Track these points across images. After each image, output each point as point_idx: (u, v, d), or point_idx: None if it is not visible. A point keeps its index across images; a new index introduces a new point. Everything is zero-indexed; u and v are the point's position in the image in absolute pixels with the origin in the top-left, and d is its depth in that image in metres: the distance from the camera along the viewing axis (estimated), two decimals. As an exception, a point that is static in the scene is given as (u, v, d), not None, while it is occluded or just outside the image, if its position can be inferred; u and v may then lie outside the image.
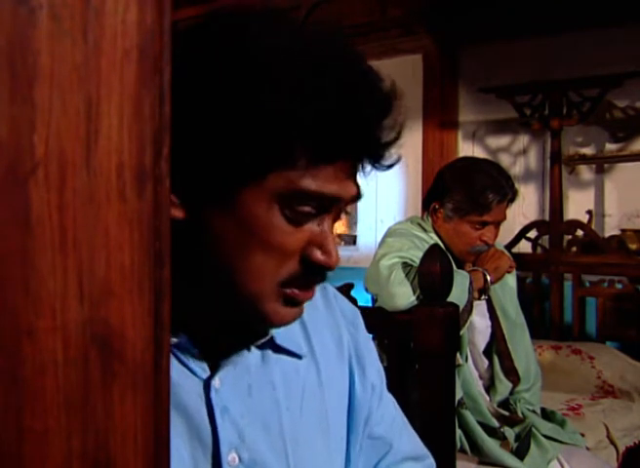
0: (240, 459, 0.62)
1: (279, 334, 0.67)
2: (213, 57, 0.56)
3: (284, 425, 0.66)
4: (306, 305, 0.72)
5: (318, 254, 0.59)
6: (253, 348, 0.66)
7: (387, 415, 0.80)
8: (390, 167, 0.62)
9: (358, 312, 0.81)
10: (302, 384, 0.69)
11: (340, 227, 4.09)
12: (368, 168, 0.61)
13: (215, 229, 0.57)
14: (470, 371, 1.81)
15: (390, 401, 0.82)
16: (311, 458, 0.68)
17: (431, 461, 0.85)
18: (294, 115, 0.54)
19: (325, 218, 0.60)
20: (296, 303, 0.61)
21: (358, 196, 0.62)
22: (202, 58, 0.56)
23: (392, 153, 0.61)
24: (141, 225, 0.27)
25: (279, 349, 0.68)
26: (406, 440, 0.82)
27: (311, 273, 0.60)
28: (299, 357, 0.69)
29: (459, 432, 1.69)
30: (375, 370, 0.79)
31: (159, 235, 0.28)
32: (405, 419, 0.85)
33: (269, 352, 0.67)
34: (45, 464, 0.25)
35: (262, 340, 0.66)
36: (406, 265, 1.68)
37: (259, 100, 0.54)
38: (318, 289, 0.76)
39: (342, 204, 0.61)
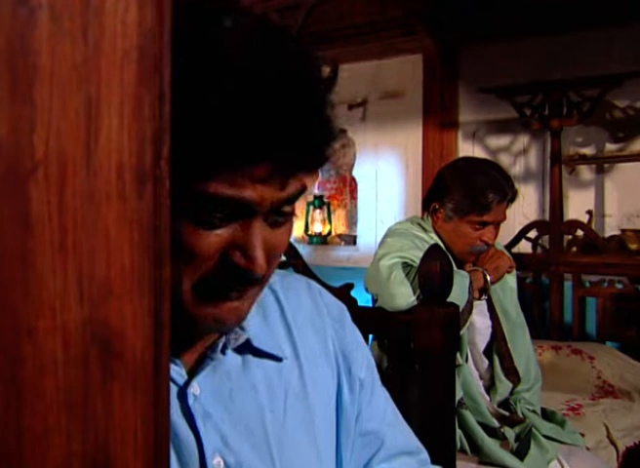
0: (226, 463, 0.62)
1: (256, 337, 0.67)
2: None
3: (268, 428, 0.66)
4: (292, 305, 0.73)
5: (237, 257, 0.56)
6: (232, 353, 0.66)
7: (378, 410, 0.80)
8: (314, 169, 0.58)
9: (344, 308, 0.81)
10: (285, 386, 0.69)
11: (339, 227, 4.09)
12: (295, 168, 0.57)
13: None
14: (470, 372, 1.81)
15: (382, 395, 0.82)
16: (298, 459, 0.68)
17: (425, 456, 0.85)
18: (198, 122, 0.50)
19: (252, 223, 0.56)
20: (221, 299, 0.58)
21: (290, 197, 0.58)
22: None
23: (319, 155, 0.58)
24: (141, 225, 0.27)
25: (259, 352, 0.67)
26: (399, 434, 0.82)
27: (230, 276, 0.57)
28: (279, 359, 0.69)
29: (459, 432, 1.69)
30: (363, 366, 0.78)
31: (159, 235, 0.28)
32: (398, 413, 0.84)
33: (249, 356, 0.67)
34: (45, 464, 0.25)
35: (237, 343, 0.65)
36: (406, 265, 1.68)
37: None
38: (304, 286, 0.77)
39: (265, 207, 0.56)
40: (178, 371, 0.62)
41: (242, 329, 0.66)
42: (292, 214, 0.61)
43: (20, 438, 0.24)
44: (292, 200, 0.59)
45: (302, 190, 0.59)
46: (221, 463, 0.61)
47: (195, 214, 0.54)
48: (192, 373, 0.63)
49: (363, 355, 0.79)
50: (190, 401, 0.61)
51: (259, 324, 0.69)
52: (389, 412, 0.82)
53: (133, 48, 0.26)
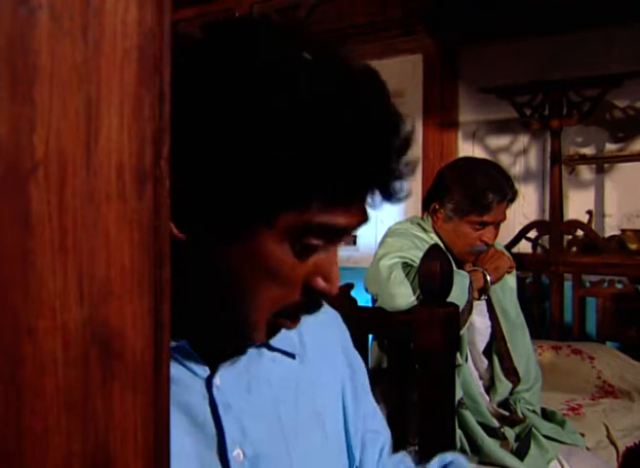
0: (244, 455, 0.63)
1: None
2: (229, 81, 0.53)
3: (282, 419, 0.67)
4: None
5: (320, 283, 0.59)
6: (249, 349, 0.67)
7: (372, 407, 0.84)
8: (402, 200, 0.61)
9: (337, 314, 0.83)
10: (295, 383, 0.71)
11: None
12: (377, 199, 0.60)
13: (221, 257, 0.56)
14: (470, 372, 1.81)
15: (369, 391, 0.86)
16: (311, 449, 0.70)
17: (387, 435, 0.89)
18: (312, 160, 0.52)
19: (334, 250, 0.60)
20: (278, 330, 0.62)
21: (365, 221, 0.61)
22: (216, 81, 0.53)
23: (405, 187, 0.61)
24: (141, 225, 0.27)
25: (274, 348, 0.69)
26: (385, 426, 0.86)
27: (309, 301, 0.60)
28: (292, 356, 0.71)
29: (459, 432, 1.69)
30: (360, 368, 0.82)
31: (159, 235, 0.28)
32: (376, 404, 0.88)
33: (264, 350, 0.69)
34: (45, 464, 0.25)
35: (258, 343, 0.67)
36: (406, 265, 1.68)
37: (276, 144, 0.52)
38: None
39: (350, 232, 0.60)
40: (200, 367, 0.63)
41: None
42: None
43: (19, 438, 0.24)
44: (367, 221, 0.63)
45: None
46: (241, 455, 0.62)
47: (299, 245, 0.56)
48: (214, 367, 0.64)
49: (359, 360, 0.83)
50: (214, 391, 0.62)
51: None
52: (379, 413, 0.86)
53: (133, 48, 0.26)
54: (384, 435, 0.84)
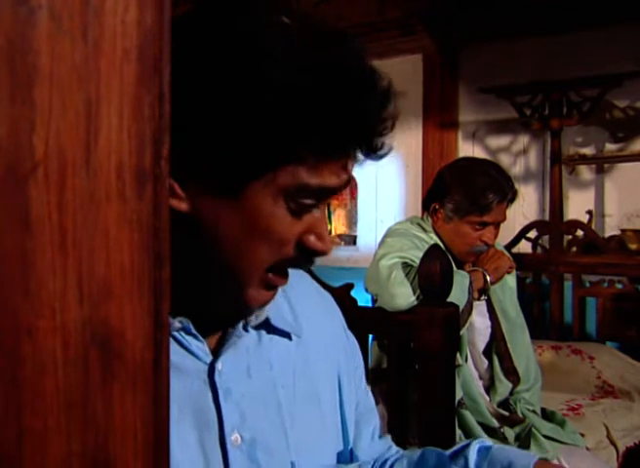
0: (242, 439, 0.64)
1: (273, 316, 0.70)
2: (218, 48, 0.56)
3: (281, 402, 0.69)
4: (294, 291, 0.76)
5: (313, 240, 0.61)
6: (250, 329, 0.68)
7: (365, 387, 0.86)
8: (382, 157, 0.63)
9: (328, 294, 0.85)
10: (293, 365, 0.72)
11: (339, 227, 4.09)
12: (361, 157, 0.62)
13: (216, 219, 0.58)
14: (470, 372, 1.81)
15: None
16: (307, 434, 0.71)
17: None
18: (303, 114, 0.55)
19: (322, 209, 0.62)
20: (272, 287, 0.64)
21: (349, 180, 0.63)
22: (206, 48, 0.57)
23: (387, 143, 0.62)
24: (141, 225, 0.27)
25: (273, 330, 0.70)
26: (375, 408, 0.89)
27: (302, 258, 0.62)
28: (288, 337, 0.72)
29: (458, 432, 1.69)
30: (356, 352, 0.84)
31: (159, 235, 0.28)
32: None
33: (263, 333, 0.70)
34: (45, 464, 0.25)
35: (258, 322, 0.68)
36: (406, 265, 1.68)
37: (267, 101, 0.55)
38: (298, 275, 0.79)
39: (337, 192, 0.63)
40: (203, 350, 0.64)
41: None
42: None
43: (19, 438, 0.24)
44: (350, 182, 0.64)
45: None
46: (239, 439, 0.64)
47: (294, 203, 0.59)
48: (215, 351, 0.65)
49: (352, 337, 0.85)
50: (216, 376, 0.64)
51: (272, 304, 0.71)
52: (369, 392, 0.88)
53: (133, 48, 0.26)
54: (376, 416, 0.86)
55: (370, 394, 0.87)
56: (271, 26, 0.58)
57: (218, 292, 0.64)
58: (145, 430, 0.27)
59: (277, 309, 0.71)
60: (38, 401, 0.25)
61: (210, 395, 0.63)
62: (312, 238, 0.61)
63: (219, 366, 0.64)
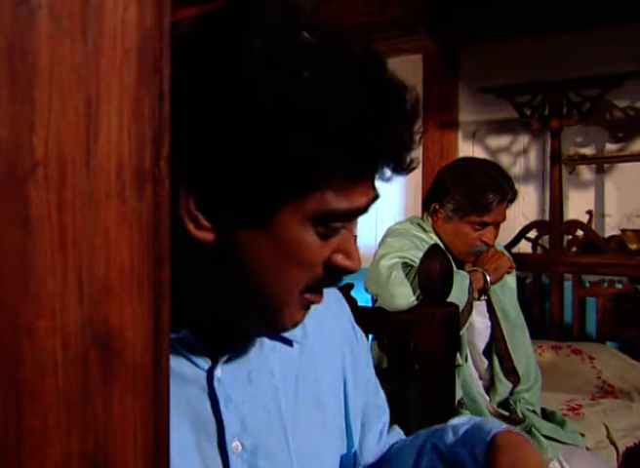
0: (243, 447, 0.63)
1: None
2: (241, 71, 0.53)
3: (282, 409, 0.68)
4: None
5: (342, 260, 0.61)
6: (251, 336, 0.68)
7: (375, 381, 0.86)
8: (411, 171, 0.62)
9: (342, 296, 0.85)
10: (296, 370, 0.72)
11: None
12: (388, 173, 0.61)
13: (244, 247, 0.57)
14: (470, 372, 1.81)
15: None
16: (309, 441, 0.70)
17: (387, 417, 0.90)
18: (332, 138, 0.53)
19: (351, 228, 0.62)
20: (308, 307, 0.63)
21: (377, 197, 0.62)
22: (228, 72, 0.54)
23: (414, 158, 0.62)
24: (141, 225, 0.27)
25: (275, 337, 0.69)
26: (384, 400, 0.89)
27: (332, 277, 0.62)
28: (290, 344, 0.71)
29: (459, 432, 1.69)
30: (365, 350, 0.84)
31: (159, 235, 0.28)
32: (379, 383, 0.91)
33: (265, 340, 0.69)
34: (45, 464, 0.25)
35: None
36: (406, 265, 1.68)
37: (295, 127, 0.53)
38: None
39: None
40: (202, 357, 0.63)
41: None
42: None
43: (19, 438, 0.24)
44: (378, 197, 0.64)
45: None
46: (239, 447, 0.63)
47: (323, 228, 0.58)
48: (215, 357, 0.64)
49: (362, 335, 0.84)
50: (215, 384, 0.63)
51: None
52: (380, 386, 0.88)
53: (132, 48, 0.26)
54: (385, 412, 0.86)
55: (380, 390, 0.87)
56: (295, 45, 0.55)
57: (242, 314, 0.63)
58: (145, 430, 0.27)
59: None
60: (38, 401, 0.25)
61: (208, 403, 0.62)
62: (340, 257, 0.61)
63: (218, 373, 0.63)
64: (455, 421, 0.79)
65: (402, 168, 0.60)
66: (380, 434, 0.84)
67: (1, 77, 0.23)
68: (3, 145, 0.23)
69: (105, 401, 0.26)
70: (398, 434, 0.89)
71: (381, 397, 0.86)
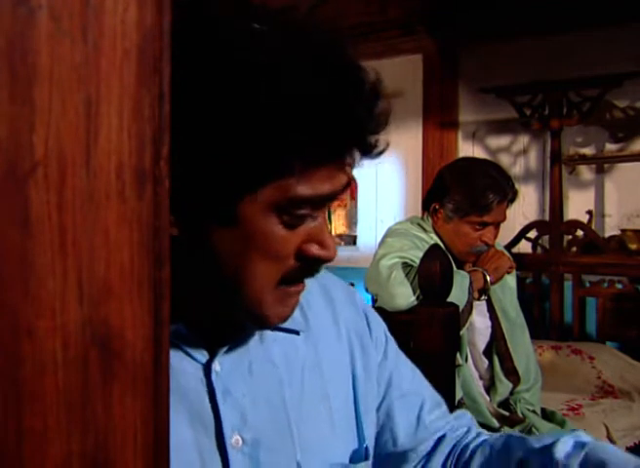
0: (243, 441, 0.62)
1: None
2: (196, 64, 0.53)
3: (287, 401, 0.67)
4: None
5: (315, 249, 0.59)
6: (250, 327, 0.67)
7: (407, 374, 0.84)
8: (380, 154, 0.61)
9: (351, 288, 0.83)
10: (302, 361, 0.70)
11: (339, 227, 4.09)
12: (358, 157, 0.60)
13: (213, 242, 0.57)
14: (470, 372, 1.81)
15: (407, 360, 0.87)
16: (315, 434, 0.69)
17: (446, 407, 0.88)
18: (283, 126, 0.52)
19: (321, 215, 0.60)
20: (294, 298, 0.62)
21: (349, 183, 0.60)
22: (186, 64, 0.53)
23: (381, 141, 0.60)
24: (141, 225, 0.27)
25: (275, 327, 0.68)
26: (431, 390, 0.87)
27: (307, 268, 0.60)
28: (296, 333, 0.70)
29: (459, 432, 1.69)
30: (378, 340, 0.81)
31: (159, 235, 0.28)
32: (421, 374, 0.89)
33: (266, 331, 0.68)
34: (45, 464, 0.25)
35: None
36: (406, 265, 1.68)
37: (247, 116, 0.52)
38: None
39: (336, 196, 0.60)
40: (199, 350, 0.63)
41: None
42: None
43: (19, 438, 0.24)
44: (346, 190, 0.61)
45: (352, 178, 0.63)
46: (240, 441, 0.62)
47: (288, 216, 0.57)
48: (213, 350, 0.63)
49: (378, 329, 0.83)
50: (213, 377, 0.62)
51: None
52: (418, 374, 0.87)
53: (132, 47, 0.26)
54: (422, 394, 0.83)
55: (415, 374, 0.85)
56: (248, 36, 0.55)
57: (229, 308, 0.62)
58: (145, 430, 0.27)
59: None
60: (38, 401, 0.25)
61: (207, 396, 0.62)
62: (314, 247, 0.59)
63: (216, 366, 0.62)
64: (558, 443, 0.71)
65: (366, 150, 0.59)
66: (417, 418, 0.81)
67: (1, 77, 0.23)
68: (3, 145, 0.23)
69: (105, 401, 0.26)
70: (447, 418, 0.85)
71: (417, 381, 0.84)
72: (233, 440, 0.62)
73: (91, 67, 0.25)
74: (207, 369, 0.62)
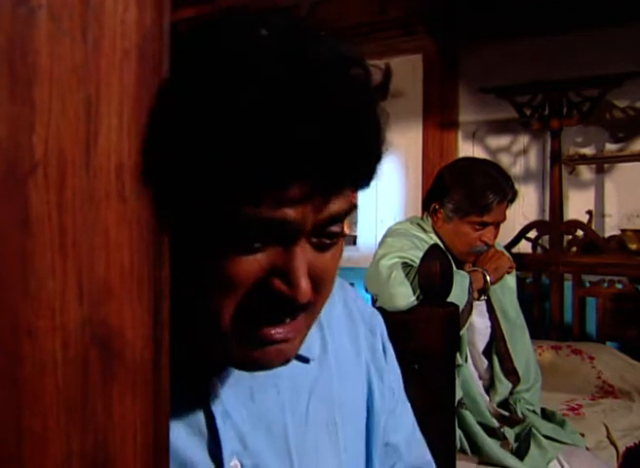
0: (242, 466, 0.60)
1: None
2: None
3: (289, 430, 0.63)
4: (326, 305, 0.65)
5: (278, 283, 0.51)
6: None
7: (405, 424, 0.79)
8: (360, 185, 0.55)
9: (376, 313, 0.79)
10: (310, 387, 0.67)
11: (340, 227, 4.08)
12: (336, 185, 0.52)
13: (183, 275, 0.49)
14: (470, 372, 1.81)
15: (409, 409, 0.81)
16: (319, 460, 0.66)
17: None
18: (228, 149, 0.46)
19: (294, 248, 0.52)
20: (266, 343, 0.53)
21: (335, 216, 0.53)
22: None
23: (363, 170, 0.54)
24: (141, 225, 0.27)
25: None
26: (415, 450, 0.81)
27: (273, 306, 0.52)
28: (306, 361, 0.66)
29: (459, 432, 1.69)
30: (395, 376, 0.78)
31: (159, 235, 0.28)
32: (416, 424, 0.83)
33: None
34: (44, 464, 0.25)
35: None
36: (406, 265, 1.68)
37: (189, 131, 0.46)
38: (337, 287, 0.68)
39: (307, 229, 0.52)
40: (199, 374, 0.59)
41: None
42: (340, 234, 0.56)
43: (19, 438, 0.24)
44: (338, 219, 0.54)
45: (350, 209, 0.55)
46: (238, 466, 0.59)
47: (233, 239, 0.49)
48: (212, 373, 0.60)
49: (394, 365, 0.79)
50: (212, 399, 0.59)
51: None
52: (414, 427, 0.81)
53: (132, 48, 0.26)
54: (405, 457, 0.78)
55: (402, 429, 0.78)
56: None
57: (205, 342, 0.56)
58: (145, 430, 0.27)
59: None
60: (38, 401, 0.25)
61: (203, 417, 0.59)
62: (277, 281, 0.51)
63: (215, 389, 0.59)
64: None
65: (333, 181, 0.51)
66: None
67: (1, 77, 0.23)
68: (3, 145, 0.23)
69: (105, 400, 0.26)
70: None
71: (399, 437, 0.77)
72: (232, 464, 0.59)
73: (91, 67, 0.25)
74: (207, 390, 0.59)
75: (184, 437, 0.58)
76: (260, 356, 0.54)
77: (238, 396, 0.61)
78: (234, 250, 0.50)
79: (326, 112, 0.48)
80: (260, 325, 0.52)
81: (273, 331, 0.53)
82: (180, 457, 0.57)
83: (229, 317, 0.51)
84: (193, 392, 0.59)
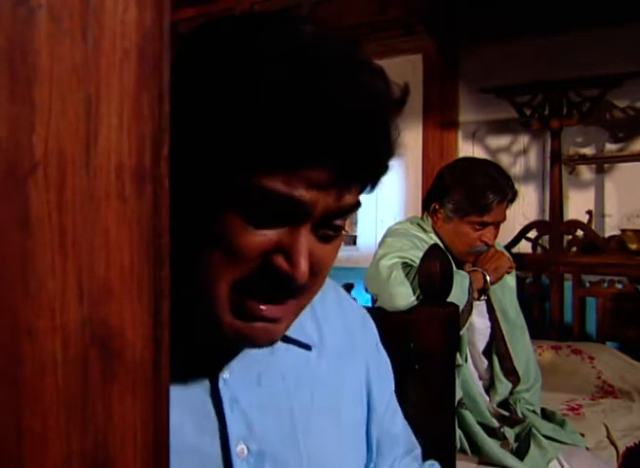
0: (249, 450, 0.61)
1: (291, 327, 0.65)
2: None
3: (295, 415, 0.65)
4: (320, 299, 0.68)
5: (280, 260, 0.54)
6: None
7: (399, 413, 0.83)
8: (373, 181, 0.58)
9: (368, 315, 0.82)
10: (313, 375, 0.69)
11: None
12: (353, 178, 0.56)
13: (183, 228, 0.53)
14: (470, 372, 1.81)
15: (395, 398, 0.84)
16: (323, 448, 0.68)
17: (419, 451, 0.87)
18: (258, 116, 0.51)
19: (300, 230, 0.55)
20: (254, 317, 0.56)
21: (343, 209, 0.56)
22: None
23: (380, 166, 0.57)
24: (141, 225, 0.27)
25: (287, 339, 0.66)
26: (409, 435, 0.85)
27: (272, 281, 0.54)
28: (308, 348, 0.68)
29: (459, 432, 1.69)
30: (388, 369, 0.81)
31: (159, 235, 0.28)
32: (399, 409, 0.86)
33: (278, 342, 0.64)
34: (44, 464, 0.25)
35: None
36: (406, 265, 1.68)
37: (227, 105, 0.52)
38: (331, 289, 0.76)
39: (317, 214, 0.55)
40: (209, 359, 0.61)
41: None
42: (342, 228, 0.59)
43: (19, 438, 0.24)
44: (344, 213, 0.57)
45: (357, 206, 0.58)
46: (245, 451, 0.61)
47: (247, 208, 0.53)
48: (222, 359, 0.62)
49: (386, 360, 0.82)
50: (220, 384, 0.61)
51: None
52: (400, 412, 0.84)
53: (132, 48, 0.26)
54: (399, 443, 0.81)
55: (396, 419, 0.82)
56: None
57: (194, 305, 0.57)
58: (145, 430, 0.27)
59: (297, 320, 0.64)
60: (38, 401, 0.25)
61: (211, 403, 0.60)
62: (279, 257, 0.54)
63: (224, 374, 0.61)
64: None
65: (355, 172, 0.55)
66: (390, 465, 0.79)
67: (1, 77, 0.23)
68: (3, 145, 0.23)
69: (105, 401, 0.26)
70: None
71: (396, 427, 0.81)
72: (238, 449, 0.60)
73: (91, 67, 0.25)
74: (215, 377, 0.61)
75: (192, 422, 0.59)
76: (247, 331, 0.56)
77: (246, 382, 0.63)
78: (247, 220, 0.53)
79: (361, 107, 0.53)
80: (252, 299, 0.55)
81: (264, 308, 0.55)
82: (188, 442, 0.59)
83: (226, 285, 0.54)
84: (201, 378, 0.61)
